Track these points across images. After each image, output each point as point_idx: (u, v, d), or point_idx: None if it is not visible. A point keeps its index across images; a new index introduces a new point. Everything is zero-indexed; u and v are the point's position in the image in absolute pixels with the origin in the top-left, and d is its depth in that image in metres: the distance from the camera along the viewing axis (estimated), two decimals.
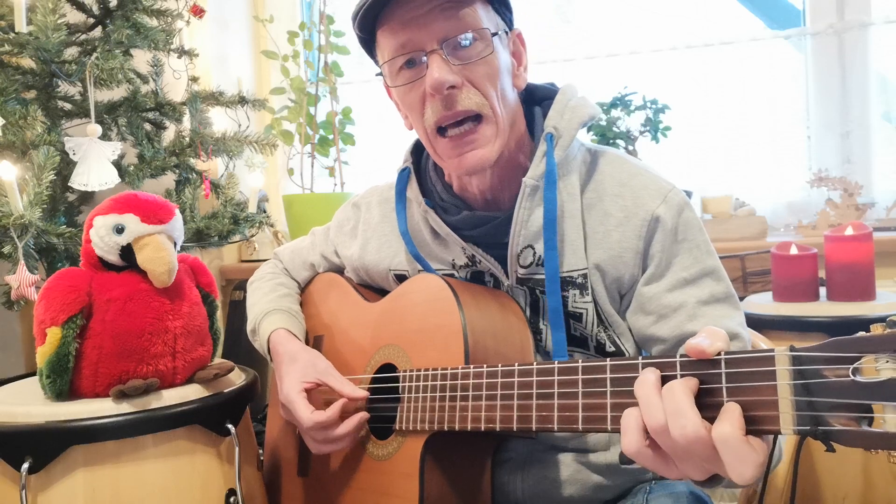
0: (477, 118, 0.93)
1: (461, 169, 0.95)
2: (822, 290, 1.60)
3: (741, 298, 1.66)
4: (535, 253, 0.97)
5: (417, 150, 1.11)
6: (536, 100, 1.04)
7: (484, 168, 0.95)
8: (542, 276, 0.97)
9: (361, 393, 1.00)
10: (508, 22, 0.99)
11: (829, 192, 2.05)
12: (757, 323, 1.46)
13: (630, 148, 2.11)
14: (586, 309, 0.97)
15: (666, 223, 0.94)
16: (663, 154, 2.20)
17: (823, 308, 1.52)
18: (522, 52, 1.01)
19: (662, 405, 0.62)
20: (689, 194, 1.94)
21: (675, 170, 2.26)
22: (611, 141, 2.10)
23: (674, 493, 0.94)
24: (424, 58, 0.91)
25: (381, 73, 0.99)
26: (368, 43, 0.99)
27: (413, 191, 1.07)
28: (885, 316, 1.42)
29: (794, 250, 1.59)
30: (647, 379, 0.65)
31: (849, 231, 1.55)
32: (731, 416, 0.59)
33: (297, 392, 1.02)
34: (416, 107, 0.95)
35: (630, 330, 0.98)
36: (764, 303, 1.61)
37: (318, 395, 1.05)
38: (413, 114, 0.97)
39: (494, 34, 0.92)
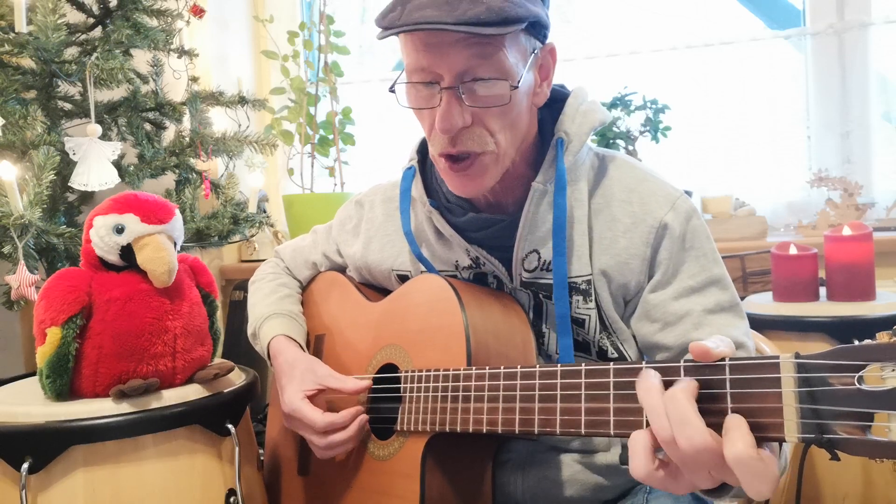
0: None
1: (456, 192, 0.96)
2: (822, 290, 1.60)
3: (741, 298, 1.66)
4: (540, 257, 0.97)
5: (423, 149, 1.09)
6: (547, 102, 1.02)
7: (479, 194, 0.95)
8: (546, 281, 0.97)
9: (364, 383, 1.00)
10: (543, 38, 0.95)
11: (829, 192, 2.05)
12: (757, 323, 1.46)
13: (630, 148, 2.11)
14: (589, 315, 0.97)
15: (674, 230, 0.94)
16: (663, 154, 2.20)
17: (823, 308, 1.52)
18: (551, 66, 0.98)
19: (667, 413, 0.61)
20: (689, 194, 1.94)
21: (675, 170, 2.25)
22: (611, 141, 2.10)
23: None
24: (439, 89, 0.88)
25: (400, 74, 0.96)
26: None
27: (418, 190, 1.06)
28: (885, 316, 1.44)
29: (793, 250, 1.59)
30: (651, 385, 0.64)
31: (848, 231, 1.55)
32: (741, 433, 0.58)
33: (300, 399, 1.01)
34: (424, 124, 0.94)
35: (634, 336, 0.98)
36: (764, 303, 1.61)
37: (321, 400, 1.05)
38: (422, 125, 0.96)
39: (514, 87, 0.88)
